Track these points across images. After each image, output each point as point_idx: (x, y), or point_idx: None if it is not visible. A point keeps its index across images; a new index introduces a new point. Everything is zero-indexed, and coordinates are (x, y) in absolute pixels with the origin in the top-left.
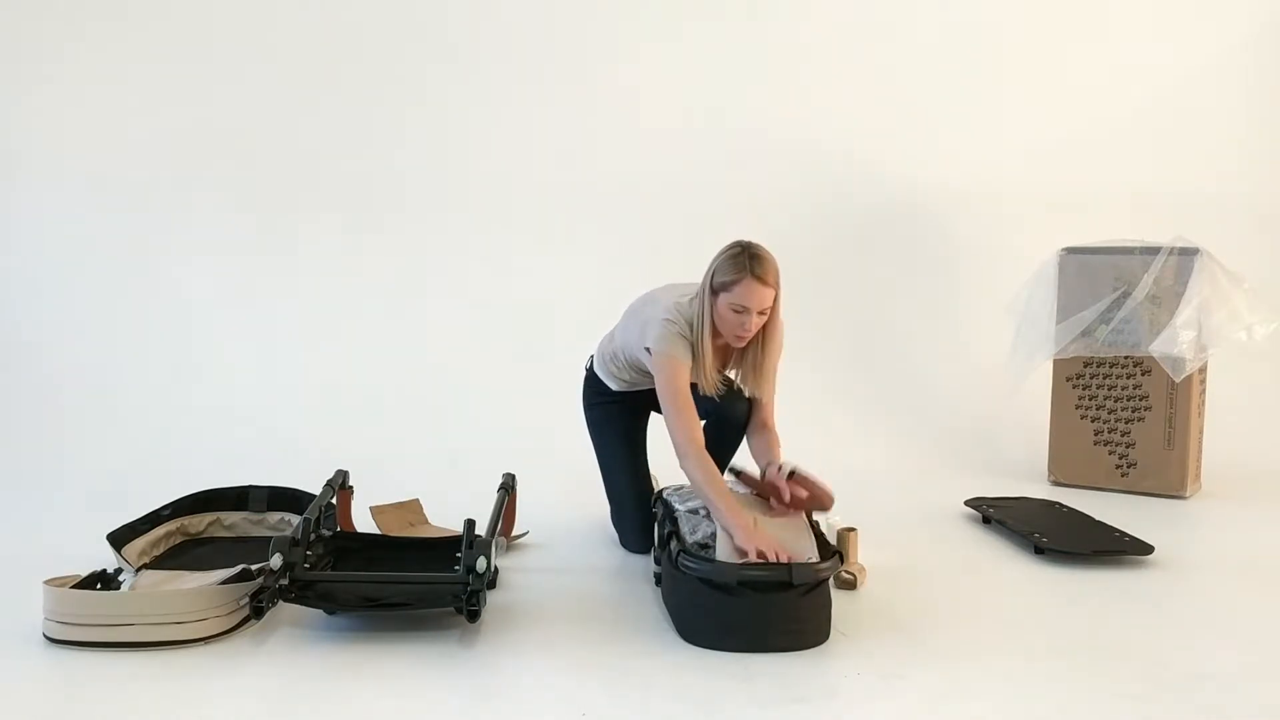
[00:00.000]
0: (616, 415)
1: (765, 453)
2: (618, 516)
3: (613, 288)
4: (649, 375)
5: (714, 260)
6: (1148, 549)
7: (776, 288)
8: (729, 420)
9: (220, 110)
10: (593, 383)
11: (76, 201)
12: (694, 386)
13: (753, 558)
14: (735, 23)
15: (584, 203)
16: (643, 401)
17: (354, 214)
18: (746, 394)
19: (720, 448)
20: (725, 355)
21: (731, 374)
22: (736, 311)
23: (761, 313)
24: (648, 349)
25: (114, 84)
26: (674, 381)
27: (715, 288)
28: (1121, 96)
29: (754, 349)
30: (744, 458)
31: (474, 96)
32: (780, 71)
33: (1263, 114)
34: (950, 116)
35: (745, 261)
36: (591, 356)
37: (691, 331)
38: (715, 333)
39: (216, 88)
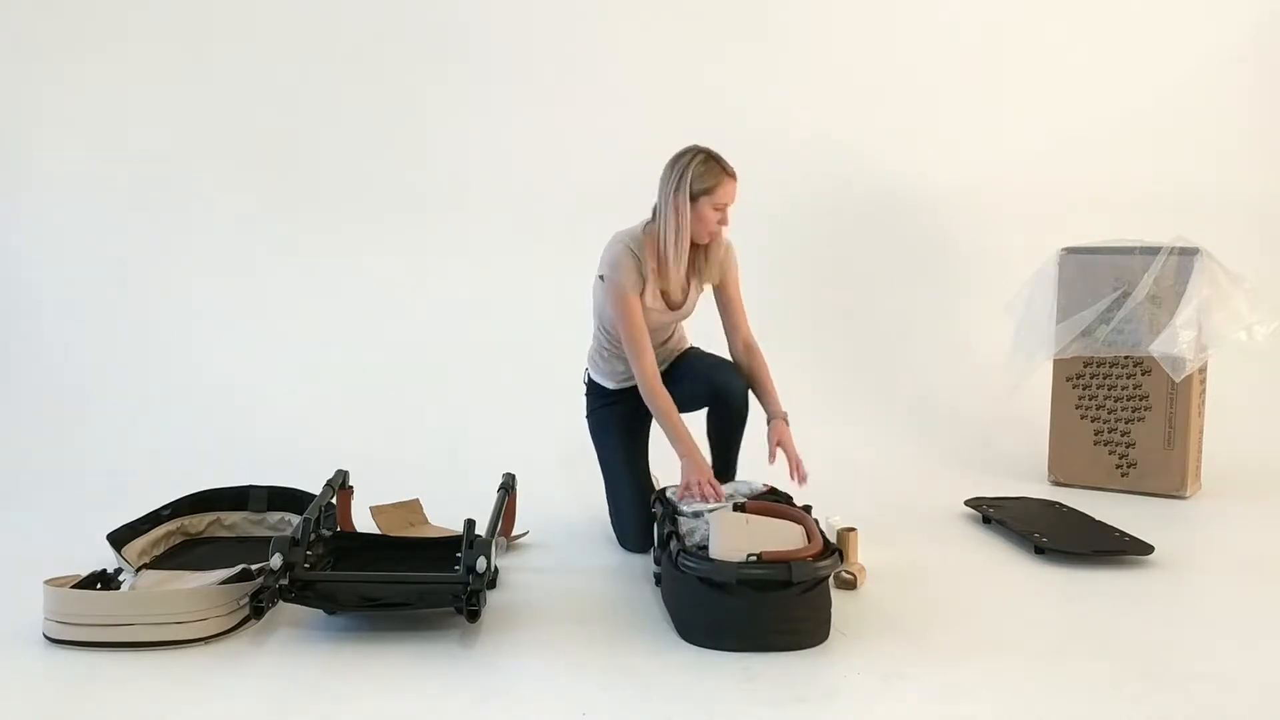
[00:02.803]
0: (617, 416)
1: (765, 396)
2: (616, 516)
3: None
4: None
5: (677, 170)
6: (1148, 549)
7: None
8: (730, 397)
9: (221, 113)
10: (592, 389)
11: (75, 203)
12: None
13: (694, 490)
14: (737, 23)
15: (584, 203)
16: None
17: (354, 214)
18: (712, 282)
19: (727, 428)
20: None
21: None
22: (717, 209)
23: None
24: (601, 276)
25: (117, 87)
26: (628, 317)
27: (695, 193)
28: (1121, 96)
29: (713, 245)
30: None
31: (473, 96)
32: (780, 71)
33: (1263, 114)
34: (950, 116)
35: (718, 164)
36: (586, 369)
37: (641, 254)
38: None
39: (218, 92)
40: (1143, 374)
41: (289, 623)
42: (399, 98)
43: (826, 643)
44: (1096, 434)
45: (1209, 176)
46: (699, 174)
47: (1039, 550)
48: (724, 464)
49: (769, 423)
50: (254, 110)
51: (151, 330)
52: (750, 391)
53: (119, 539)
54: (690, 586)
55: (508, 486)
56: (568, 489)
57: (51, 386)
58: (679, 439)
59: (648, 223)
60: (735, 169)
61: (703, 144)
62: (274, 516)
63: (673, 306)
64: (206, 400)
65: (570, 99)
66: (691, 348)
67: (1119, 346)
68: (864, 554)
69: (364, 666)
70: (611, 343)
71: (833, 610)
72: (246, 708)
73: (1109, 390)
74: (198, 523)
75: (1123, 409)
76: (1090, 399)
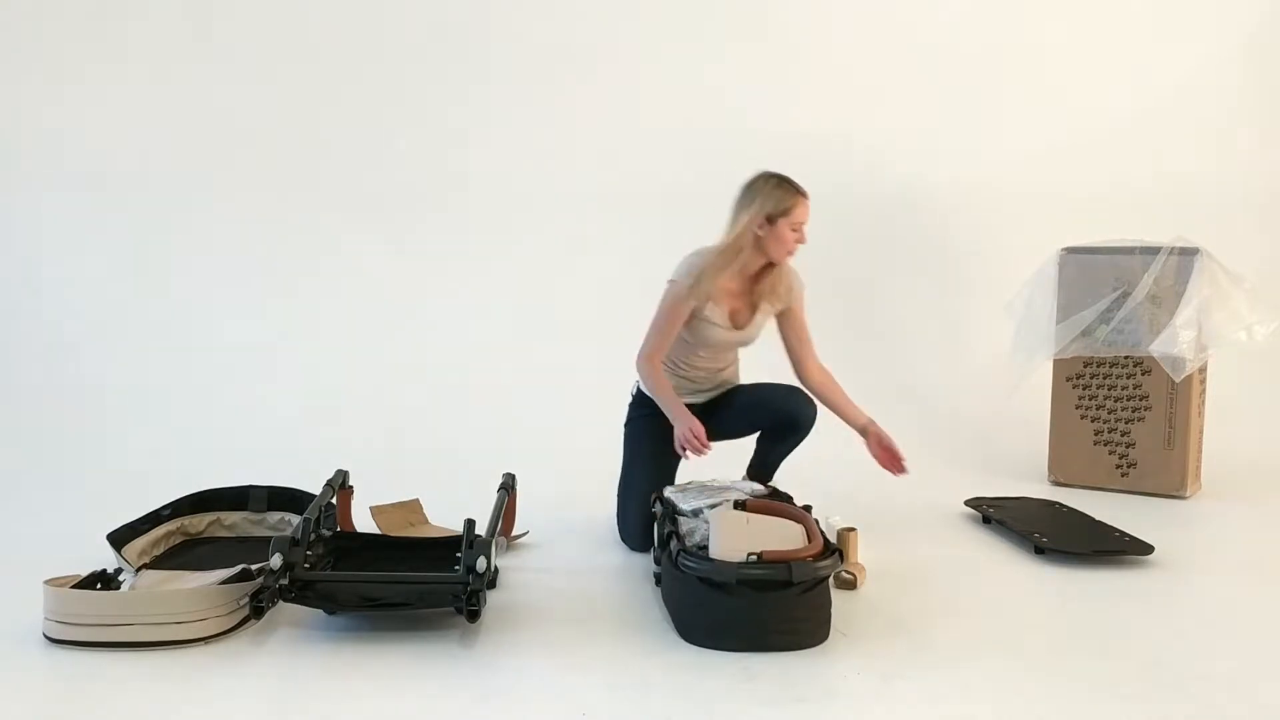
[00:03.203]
0: (655, 425)
1: (849, 408)
2: (623, 513)
3: (614, 288)
4: (692, 380)
5: (750, 196)
6: (1148, 549)
7: None
8: (799, 422)
9: (222, 111)
10: (636, 399)
11: (76, 202)
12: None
13: (682, 440)
14: (736, 23)
15: (585, 203)
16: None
17: (354, 215)
18: (780, 306)
19: (782, 447)
20: (754, 283)
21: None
22: (794, 229)
23: None
24: (671, 280)
25: (119, 85)
26: (669, 316)
27: (773, 215)
28: (1122, 96)
29: (781, 268)
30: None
31: (474, 97)
32: (780, 71)
33: (1263, 114)
34: (950, 116)
35: (791, 186)
36: (636, 382)
37: (714, 267)
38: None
39: (221, 89)
40: (1143, 374)
41: (289, 623)
42: (401, 99)
43: (826, 643)
44: (1096, 434)
45: (1209, 177)
46: (776, 197)
47: (1039, 550)
48: (765, 466)
49: (865, 434)
50: (255, 111)
51: (152, 330)
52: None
53: (119, 539)
54: (690, 586)
55: (508, 486)
56: (568, 489)
57: (52, 387)
58: (669, 402)
59: (725, 244)
60: (806, 189)
61: (773, 169)
62: (274, 516)
63: (737, 326)
64: (207, 400)
65: (572, 101)
66: (741, 384)
67: (1119, 346)
68: (864, 554)
69: (364, 666)
70: (670, 359)
71: (833, 610)
72: (246, 708)
73: (1109, 390)
74: (198, 523)
75: (1123, 409)
76: (1090, 399)
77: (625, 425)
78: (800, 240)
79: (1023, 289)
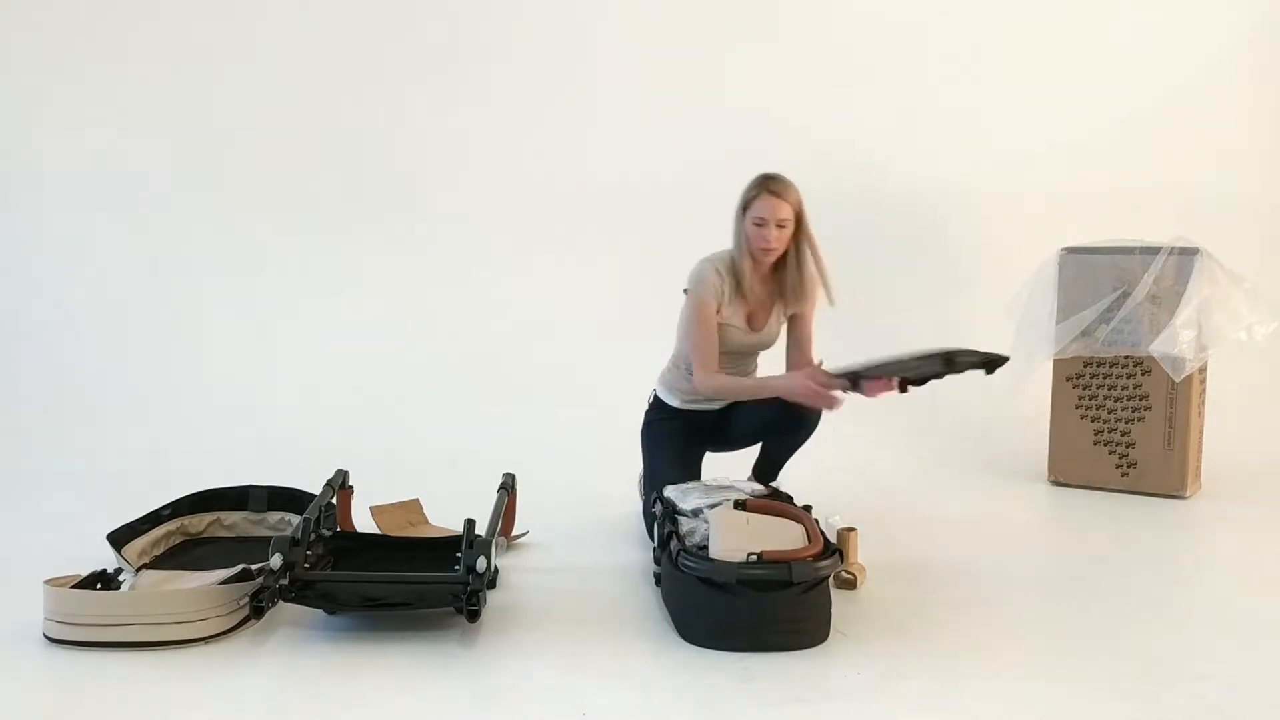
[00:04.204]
0: (675, 429)
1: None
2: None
3: (615, 288)
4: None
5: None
6: (1002, 359)
7: (795, 206)
8: (801, 421)
9: (222, 110)
10: (654, 405)
11: (76, 201)
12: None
13: (809, 392)
14: (738, 24)
15: (585, 203)
16: (703, 425)
17: (354, 215)
18: (793, 310)
19: (783, 446)
20: (769, 284)
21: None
22: (758, 225)
23: (780, 224)
24: (685, 290)
25: (118, 84)
26: (701, 323)
27: (741, 208)
28: (1121, 96)
29: (787, 266)
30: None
31: (478, 99)
32: (779, 71)
33: (1263, 114)
34: (950, 116)
35: (762, 180)
36: (654, 389)
37: (725, 271)
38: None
39: (222, 87)
40: (1143, 374)
41: (289, 623)
42: (403, 100)
43: (826, 643)
44: (1096, 434)
45: (1209, 176)
46: (748, 189)
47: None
48: (770, 467)
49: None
50: (256, 111)
51: (152, 330)
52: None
53: (119, 539)
54: (690, 586)
55: (508, 486)
56: (568, 489)
57: (52, 387)
58: (761, 387)
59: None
60: (785, 189)
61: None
62: (274, 516)
63: (754, 328)
64: (207, 400)
65: (574, 103)
66: None
67: (1119, 346)
68: (864, 554)
69: (364, 666)
70: (688, 367)
71: (833, 610)
72: (246, 708)
73: (1109, 390)
74: (198, 523)
75: (1123, 409)
76: (1090, 399)
77: (644, 428)
78: (764, 238)
79: (1023, 289)
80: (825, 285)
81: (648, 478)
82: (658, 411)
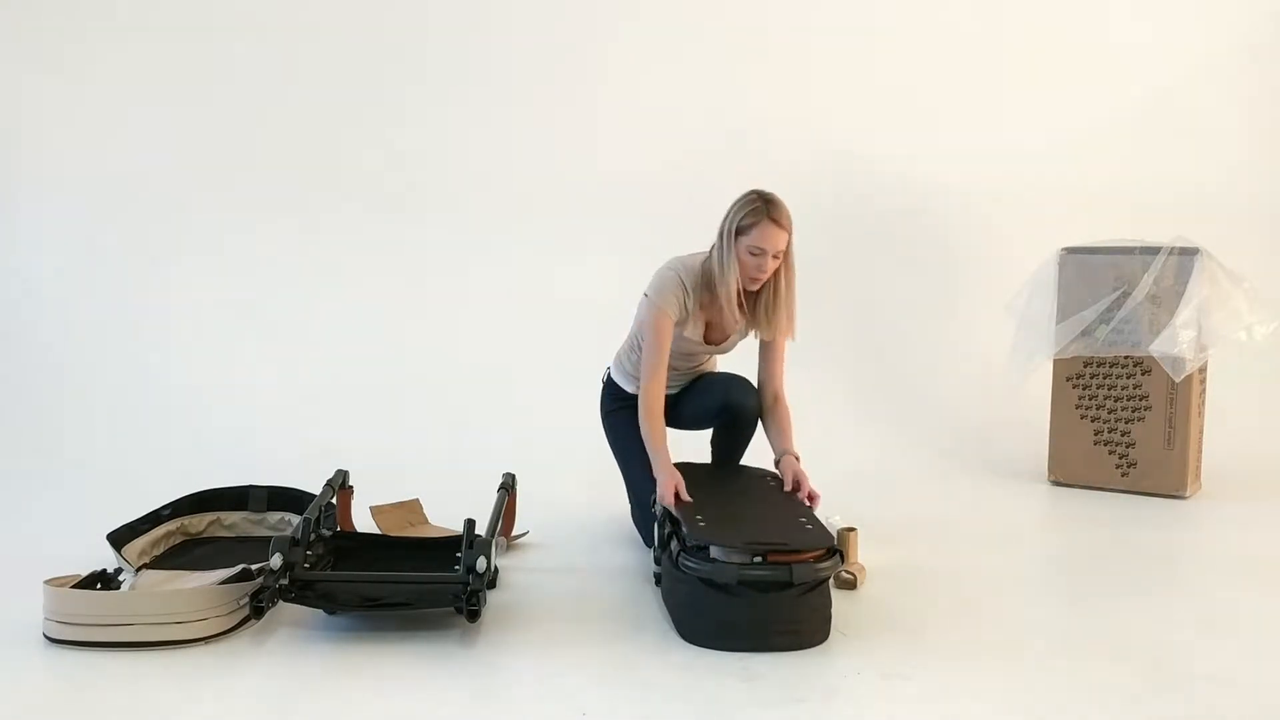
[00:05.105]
0: (635, 420)
1: (778, 436)
2: (643, 515)
3: (616, 287)
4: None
5: (730, 209)
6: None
7: (789, 232)
8: (742, 413)
9: (221, 110)
10: (610, 389)
11: (76, 201)
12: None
13: (663, 498)
14: (737, 34)
15: (589, 203)
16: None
17: (354, 215)
18: (763, 337)
19: (731, 442)
20: (741, 308)
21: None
22: (754, 254)
23: (776, 255)
24: (646, 294)
25: (116, 84)
26: (657, 341)
27: (735, 232)
28: (1121, 96)
29: (766, 294)
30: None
31: (476, 98)
32: (779, 75)
33: (1263, 114)
34: (951, 116)
35: (762, 206)
36: (609, 367)
37: (691, 285)
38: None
39: (219, 87)
40: (1143, 374)
41: (289, 623)
42: (399, 98)
43: (826, 643)
44: (1096, 434)
45: (1209, 176)
46: (745, 213)
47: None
48: (727, 457)
49: (780, 458)
50: (252, 110)
51: (152, 330)
52: (760, 420)
53: (119, 539)
54: (691, 587)
55: (508, 486)
56: (569, 488)
57: (52, 386)
58: (657, 455)
59: (706, 256)
60: (785, 217)
61: (765, 189)
62: (274, 516)
63: (712, 342)
64: (207, 400)
65: (573, 104)
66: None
67: (1119, 346)
68: (864, 554)
69: (364, 666)
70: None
71: (833, 610)
72: (246, 708)
73: (1109, 390)
74: (198, 523)
75: (1123, 409)
76: (1090, 399)
77: (605, 416)
78: (760, 268)
79: (1023, 289)
80: (791, 317)
81: (628, 486)
82: (614, 400)
